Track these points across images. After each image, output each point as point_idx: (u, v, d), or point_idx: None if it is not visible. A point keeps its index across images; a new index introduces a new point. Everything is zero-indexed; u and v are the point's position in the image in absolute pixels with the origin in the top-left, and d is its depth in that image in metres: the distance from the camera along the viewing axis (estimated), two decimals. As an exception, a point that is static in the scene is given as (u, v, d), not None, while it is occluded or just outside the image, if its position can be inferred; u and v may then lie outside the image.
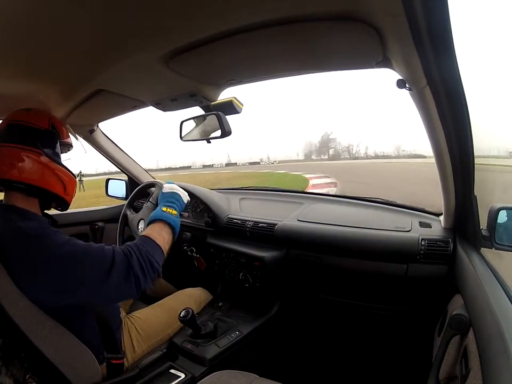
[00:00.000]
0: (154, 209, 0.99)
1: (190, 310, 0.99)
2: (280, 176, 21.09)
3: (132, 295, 0.79)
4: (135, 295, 0.80)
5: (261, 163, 63.68)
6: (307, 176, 17.38)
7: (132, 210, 1.33)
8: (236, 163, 67.37)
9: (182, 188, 1.08)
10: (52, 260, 0.70)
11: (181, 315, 0.99)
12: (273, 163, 62.14)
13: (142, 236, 0.87)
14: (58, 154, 0.85)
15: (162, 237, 0.89)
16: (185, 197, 1.05)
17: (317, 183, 13.81)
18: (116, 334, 0.91)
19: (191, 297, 1.23)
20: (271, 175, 22.49)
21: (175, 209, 0.97)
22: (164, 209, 0.96)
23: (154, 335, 1.03)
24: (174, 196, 1.02)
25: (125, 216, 1.31)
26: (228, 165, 65.30)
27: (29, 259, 0.70)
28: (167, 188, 1.05)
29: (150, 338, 1.01)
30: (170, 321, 1.08)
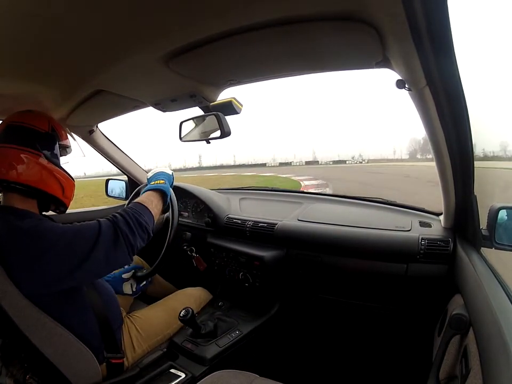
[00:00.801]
0: None
1: (190, 310, 0.99)
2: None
3: (125, 259, 0.81)
4: (128, 259, 0.81)
5: (347, 162, 51.79)
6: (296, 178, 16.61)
7: None
8: (318, 161, 59.60)
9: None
10: (50, 251, 0.71)
11: (181, 314, 0.99)
12: (361, 162, 50.93)
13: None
14: (57, 157, 0.86)
15: (150, 200, 0.93)
16: (169, 170, 1.11)
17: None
18: (116, 333, 0.91)
19: (191, 297, 1.23)
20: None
21: (162, 179, 1.03)
22: (152, 183, 1.02)
23: (154, 334, 1.03)
24: (158, 173, 1.09)
25: None
26: (307, 163, 58.34)
27: (28, 257, 0.70)
28: (150, 173, 1.12)
29: (150, 337, 1.01)
30: (170, 321, 1.08)
